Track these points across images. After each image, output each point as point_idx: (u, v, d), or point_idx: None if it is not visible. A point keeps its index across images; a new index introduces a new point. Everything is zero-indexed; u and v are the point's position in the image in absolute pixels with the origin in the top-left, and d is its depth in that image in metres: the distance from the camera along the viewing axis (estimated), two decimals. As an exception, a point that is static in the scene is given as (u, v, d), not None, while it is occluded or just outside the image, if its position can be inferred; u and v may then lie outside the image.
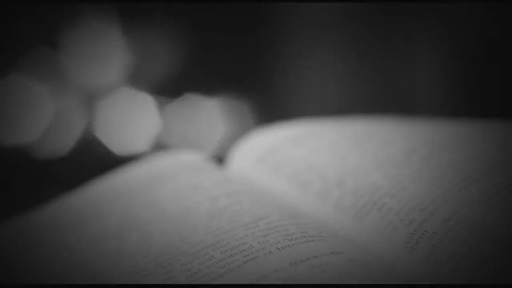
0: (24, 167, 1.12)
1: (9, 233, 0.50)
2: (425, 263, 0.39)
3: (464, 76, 1.18)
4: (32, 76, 1.15)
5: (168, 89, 1.21)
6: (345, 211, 0.45)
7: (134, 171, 0.53)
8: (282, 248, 0.40)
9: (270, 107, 1.23)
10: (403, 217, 0.42)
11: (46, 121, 1.15)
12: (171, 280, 0.40)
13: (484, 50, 1.15)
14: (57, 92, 1.16)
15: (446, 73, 1.19)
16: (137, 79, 1.20)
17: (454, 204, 0.41)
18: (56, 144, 1.15)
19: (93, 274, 0.43)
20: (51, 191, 0.62)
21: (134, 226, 0.46)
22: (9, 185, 1.10)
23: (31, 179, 1.12)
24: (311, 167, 0.49)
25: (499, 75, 1.15)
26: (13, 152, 1.13)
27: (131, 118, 1.19)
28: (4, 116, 1.14)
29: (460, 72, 1.18)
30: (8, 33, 1.13)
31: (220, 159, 0.58)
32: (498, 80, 1.15)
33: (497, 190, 0.41)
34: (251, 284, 0.38)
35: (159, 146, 1.19)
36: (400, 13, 1.21)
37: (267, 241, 0.41)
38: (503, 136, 0.49)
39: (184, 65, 1.21)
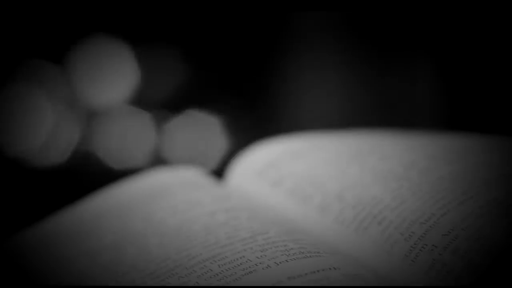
0: (22, 180, 1.12)
1: (8, 248, 0.50)
2: (425, 276, 0.39)
3: (463, 89, 1.18)
4: (34, 89, 1.15)
5: (169, 104, 1.21)
6: (345, 224, 0.45)
7: (132, 186, 0.53)
8: (280, 263, 0.40)
9: (270, 122, 1.23)
10: (403, 231, 0.42)
11: (45, 134, 1.15)
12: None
13: (484, 63, 1.16)
14: (57, 105, 1.16)
15: (446, 86, 1.19)
16: (138, 95, 1.20)
17: (454, 218, 0.41)
18: (55, 157, 1.15)
19: (92, 285, 0.43)
20: (50, 204, 0.62)
21: (131, 240, 0.46)
22: (7, 198, 1.10)
23: (29, 192, 1.12)
24: (311, 180, 0.49)
25: (499, 88, 1.15)
26: (11, 164, 1.13)
27: (130, 133, 1.19)
28: (5, 127, 1.14)
29: (459, 85, 1.19)
30: (13, 46, 1.14)
31: (219, 173, 0.58)
32: (497, 93, 1.15)
33: (496, 204, 0.41)
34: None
35: (159, 161, 1.19)
36: (400, 26, 1.21)
37: (265, 255, 0.41)
38: (502, 149, 0.49)
39: (184, 81, 1.21)
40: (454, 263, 0.38)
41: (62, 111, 1.16)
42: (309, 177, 0.49)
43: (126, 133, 1.19)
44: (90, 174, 1.14)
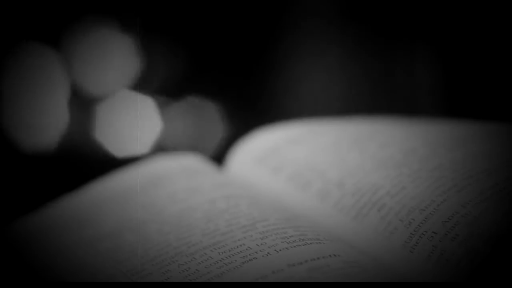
0: (22, 168, 1.12)
1: (8, 236, 0.50)
2: (425, 263, 0.39)
3: (464, 76, 1.18)
4: (33, 76, 1.15)
5: (169, 91, 1.21)
6: (345, 211, 0.45)
7: (133, 173, 0.53)
8: (280, 250, 0.40)
9: (270, 108, 1.23)
10: (403, 218, 0.42)
11: (45, 121, 1.15)
12: (169, 280, 0.40)
13: (484, 51, 1.15)
14: (58, 92, 1.16)
15: (446, 73, 1.19)
16: (139, 81, 1.20)
17: (454, 204, 0.41)
18: (55, 144, 1.15)
19: (91, 275, 0.43)
20: (50, 192, 0.62)
21: (131, 227, 0.46)
22: (5, 185, 1.10)
23: (29, 180, 1.12)
24: (311, 167, 0.49)
25: (500, 76, 1.15)
26: (9, 150, 1.13)
27: (131, 120, 1.19)
28: (4, 115, 1.14)
29: (460, 72, 1.18)
30: (10, 31, 1.13)
31: (220, 160, 0.58)
32: (498, 81, 1.15)
33: (496, 190, 0.41)
34: (248, 282, 0.38)
35: (160, 148, 1.19)
36: (401, 14, 1.21)
37: (265, 243, 0.41)
38: (502, 136, 0.49)
39: (184, 68, 1.21)
40: (453, 250, 0.39)
41: (62, 97, 1.16)
42: (309, 164, 0.49)
43: (127, 120, 1.19)
44: (90, 161, 1.14)
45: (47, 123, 1.16)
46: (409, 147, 0.48)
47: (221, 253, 0.41)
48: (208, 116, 1.21)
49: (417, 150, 0.47)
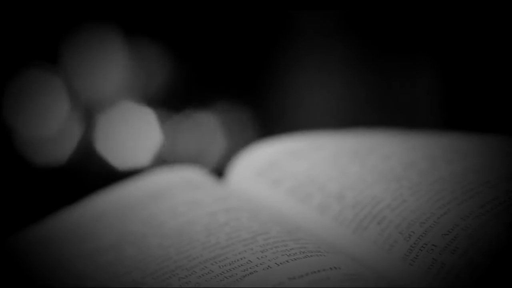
0: (23, 178, 1.12)
1: (8, 248, 0.50)
2: (425, 275, 0.39)
3: (464, 88, 1.18)
4: (32, 87, 1.15)
5: (169, 103, 1.21)
6: (345, 224, 0.45)
7: (133, 186, 0.53)
8: (281, 263, 0.40)
9: (270, 120, 1.23)
10: (402, 230, 0.42)
11: (47, 132, 1.15)
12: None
13: (484, 63, 1.15)
14: (57, 104, 1.16)
15: (446, 86, 1.19)
16: (138, 92, 1.20)
17: (454, 217, 0.41)
18: (56, 156, 1.15)
19: (92, 287, 0.43)
20: (50, 204, 0.62)
21: (132, 240, 0.46)
22: (8, 196, 1.10)
23: (30, 191, 1.12)
24: (311, 180, 0.49)
25: (499, 87, 1.15)
26: (13, 162, 1.13)
27: (132, 132, 1.19)
28: (4, 124, 1.14)
29: (459, 85, 1.18)
30: (8, 43, 1.14)
31: (220, 173, 0.58)
32: (497, 93, 1.15)
33: (496, 203, 0.41)
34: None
35: (160, 161, 1.19)
36: (400, 25, 1.21)
37: (266, 256, 0.41)
38: (502, 149, 0.49)
39: (184, 80, 1.21)
40: (453, 263, 0.39)
41: (63, 109, 1.16)
42: (309, 177, 0.49)
43: (128, 132, 1.19)
44: (91, 173, 1.14)
45: (46, 136, 1.16)
46: (409, 160, 0.48)
47: (221, 267, 0.41)
48: (208, 128, 1.21)
49: (417, 163, 0.47)
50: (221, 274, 0.40)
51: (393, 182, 0.46)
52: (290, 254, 0.41)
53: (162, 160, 1.19)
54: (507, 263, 0.37)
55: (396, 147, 0.51)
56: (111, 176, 1.08)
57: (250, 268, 0.40)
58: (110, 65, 1.19)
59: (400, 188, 0.45)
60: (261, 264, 0.40)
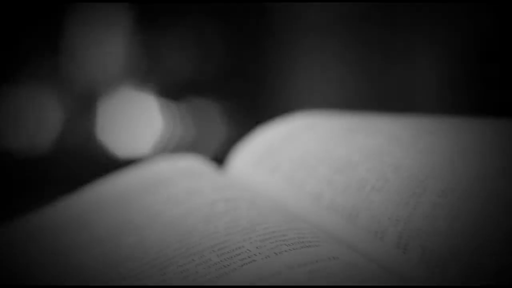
0: (22, 167, 1.12)
1: (6, 236, 0.50)
2: (418, 264, 0.39)
3: (461, 75, 1.18)
4: (36, 77, 1.15)
5: (171, 92, 1.21)
6: (338, 212, 0.44)
7: (133, 175, 0.53)
8: (279, 253, 0.40)
9: (270, 109, 1.23)
10: (390, 215, 0.41)
11: (48, 122, 1.15)
12: (167, 281, 0.40)
13: (483, 49, 1.15)
14: (60, 92, 1.16)
15: (443, 72, 1.19)
16: (142, 81, 1.20)
17: (433, 195, 0.40)
18: (55, 145, 1.15)
19: (90, 277, 0.43)
20: (49, 192, 0.62)
21: (131, 229, 0.46)
22: (7, 186, 1.10)
23: (29, 180, 1.12)
24: (304, 165, 0.49)
25: (498, 74, 1.15)
26: (11, 152, 1.13)
27: (133, 121, 1.19)
28: (5, 116, 1.14)
29: (457, 72, 1.18)
30: (10, 32, 1.13)
31: (220, 161, 0.58)
32: (496, 79, 1.15)
33: (478, 179, 0.41)
34: (247, 285, 0.38)
35: (161, 149, 1.19)
36: (401, 12, 1.21)
37: (265, 246, 0.41)
38: (482, 128, 0.48)
39: (187, 70, 1.21)
40: (439, 247, 0.38)
41: (64, 99, 1.16)
42: (302, 162, 0.49)
43: (128, 120, 1.19)
44: (91, 161, 1.14)
45: (46, 123, 1.16)
46: (393, 134, 0.47)
47: (220, 255, 0.40)
48: (209, 117, 1.21)
49: (400, 137, 0.47)
50: (219, 262, 0.40)
51: (377, 159, 0.45)
52: (288, 244, 0.41)
53: (162, 149, 1.18)
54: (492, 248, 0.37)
55: (382, 123, 0.50)
56: (111, 164, 1.08)
57: (248, 257, 0.40)
58: (117, 52, 1.19)
59: (382, 165, 0.44)
60: (260, 253, 0.40)
